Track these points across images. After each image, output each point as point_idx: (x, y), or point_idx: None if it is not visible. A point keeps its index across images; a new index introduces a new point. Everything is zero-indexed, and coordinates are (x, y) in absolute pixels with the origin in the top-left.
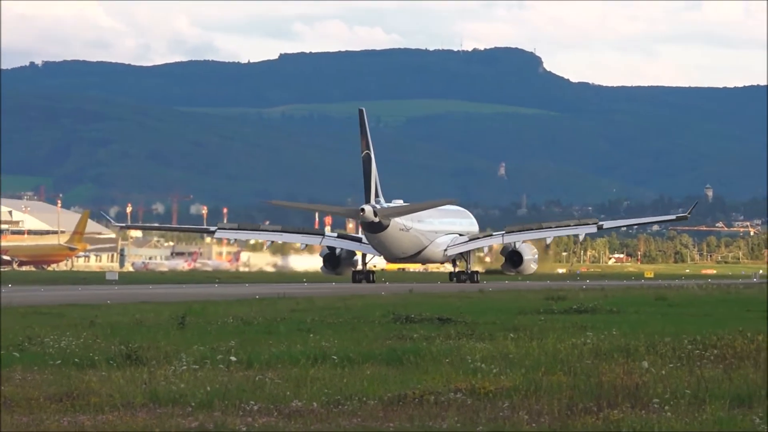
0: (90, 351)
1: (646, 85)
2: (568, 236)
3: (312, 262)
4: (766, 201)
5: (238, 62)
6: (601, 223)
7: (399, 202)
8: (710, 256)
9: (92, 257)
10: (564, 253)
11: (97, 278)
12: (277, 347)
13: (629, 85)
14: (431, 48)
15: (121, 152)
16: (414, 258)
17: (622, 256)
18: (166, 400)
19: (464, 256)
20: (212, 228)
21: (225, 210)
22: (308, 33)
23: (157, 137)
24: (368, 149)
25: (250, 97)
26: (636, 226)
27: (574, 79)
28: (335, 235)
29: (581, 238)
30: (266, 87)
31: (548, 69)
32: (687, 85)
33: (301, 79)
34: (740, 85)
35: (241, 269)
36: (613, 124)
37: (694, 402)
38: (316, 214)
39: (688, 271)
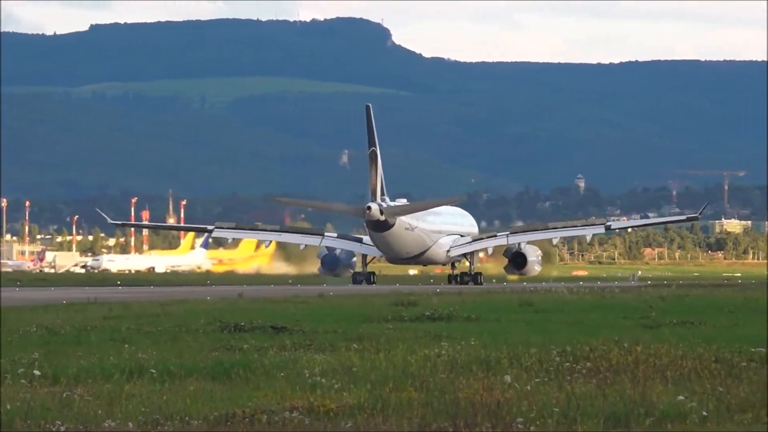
0: None
1: (508, 61)
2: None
3: (127, 263)
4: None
5: (43, 34)
6: (609, 223)
7: (403, 201)
8: (582, 255)
9: None
10: None
11: None
12: (87, 360)
13: (489, 60)
14: (263, 18)
15: None
16: (417, 258)
17: (481, 256)
18: None
19: (467, 257)
20: (210, 227)
21: (27, 203)
22: (123, 1)
23: None
24: (374, 146)
25: (57, 74)
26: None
27: (426, 54)
28: (335, 235)
29: (588, 239)
30: (75, 63)
31: (397, 42)
32: (555, 61)
33: (115, 54)
34: (616, 61)
35: (47, 270)
36: (471, 105)
37: (563, 421)
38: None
39: (555, 273)
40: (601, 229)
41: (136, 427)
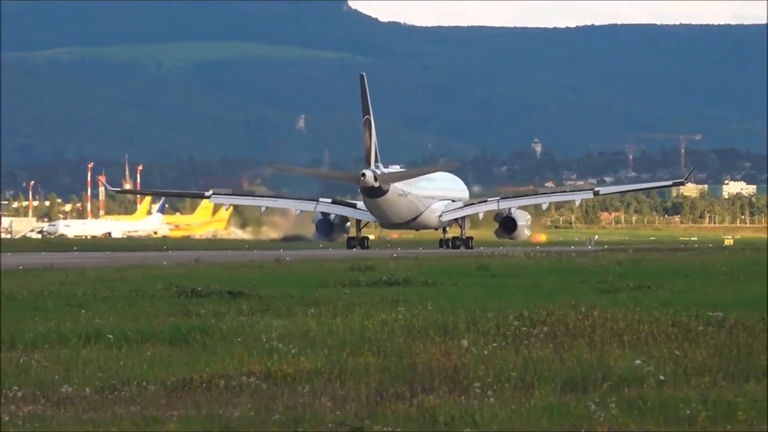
0: None
1: (464, 25)
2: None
3: (84, 229)
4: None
5: None
6: (597, 188)
7: (396, 168)
8: (539, 220)
9: None
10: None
11: None
12: (44, 325)
13: (446, 25)
14: None
15: None
16: (410, 224)
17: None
18: None
19: (458, 221)
20: (207, 193)
21: None
22: None
23: None
24: (368, 114)
25: (11, 39)
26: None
27: (383, 19)
28: (329, 201)
29: (577, 203)
30: (31, 28)
31: (354, 7)
32: (512, 26)
33: (71, 20)
34: (573, 25)
35: (3, 236)
36: (428, 70)
37: (520, 386)
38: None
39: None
40: (590, 195)
41: (93, 392)
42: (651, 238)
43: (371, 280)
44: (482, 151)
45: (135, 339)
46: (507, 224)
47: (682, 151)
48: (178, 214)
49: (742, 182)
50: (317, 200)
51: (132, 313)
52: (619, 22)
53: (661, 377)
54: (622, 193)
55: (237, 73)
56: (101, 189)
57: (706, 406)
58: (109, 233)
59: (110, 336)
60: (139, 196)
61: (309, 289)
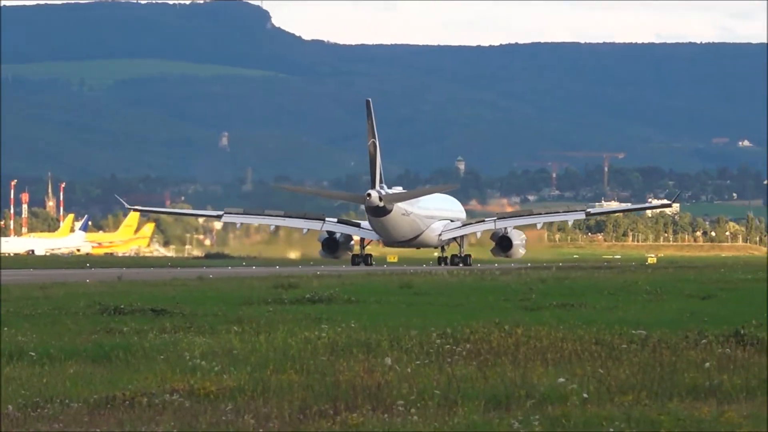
0: None
1: (387, 43)
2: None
3: (6, 246)
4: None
5: None
6: (589, 209)
7: (399, 189)
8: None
9: None
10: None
11: None
12: None
13: (369, 43)
14: (143, 1)
15: None
16: (411, 242)
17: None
18: None
19: (457, 240)
20: (219, 213)
21: None
22: None
23: None
24: (374, 137)
25: None
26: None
27: (306, 37)
28: (335, 220)
29: (570, 224)
30: None
31: (277, 25)
32: (435, 44)
33: None
34: (496, 43)
35: None
36: (351, 87)
37: (444, 404)
38: None
39: (436, 254)
40: (582, 215)
41: (16, 409)
42: (574, 256)
43: (295, 298)
44: (406, 169)
45: (58, 356)
46: (503, 243)
47: (606, 169)
48: (100, 232)
49: (665, 200)
50: (324, 219)
51: (55, 330)
52: (542, 41)
53: (585, 395)
54: (612, 212)
55: (160, 91)
56: (24, 206)
57: (630, 424)
58: (32, 251)
59: (33, 353)
60: (62, 213)
61: (232, 307)
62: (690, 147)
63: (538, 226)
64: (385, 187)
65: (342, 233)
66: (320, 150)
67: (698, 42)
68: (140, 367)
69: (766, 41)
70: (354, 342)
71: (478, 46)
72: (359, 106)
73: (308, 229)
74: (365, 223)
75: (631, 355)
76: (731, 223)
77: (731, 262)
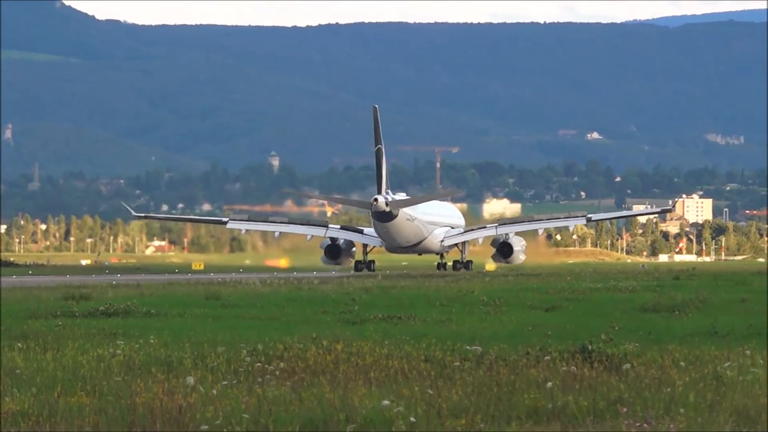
0: None
1: (191, 24)
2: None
3: None
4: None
5: None
6: (590, 215)
7: (402, 195)
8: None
9: None
10: (89, 240)
11: None
12: None
13: (171, 23)
14: None
15: None
16: (415, 247)
17: (163, 243)
18: None
19: (458, 246)
20: (225, 219)
21: None
22: None
23: None
24: (380, 144)
25: None
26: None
27: (100, 17)
28: (338, 226)
29: (571, 229)
30: None
31: (67, 4)
32: (245, 24)
33: None
34: (315, 24)
35: None
36: (150, 74)
37: (253, 429)
38: None
39: (248, 261)
40: (582, 221)
41: None
42: (403, 263)
43: (87, 311)
44: (212, 165)
45: None
46: (503, 249)
47: (438, 165)
48: None
49: (506, 200)
50: (327, 226)
51: None
52: (365, 21)
53: (412, 419)
54: (614, 218)
55: None
56: None
57: None
58: None
59: None
60: None
61: (16, 321)
62: (532, 140)
63: (540, 232)
64: (390, 192)
65: (344, 239)
66: (116, 144)
67: (541, 22)
68: None
69: (618, 20)
70: (153, 360)
71: (295, 27)
72: (160, 95)
73: (312, 236)
74: (368, 230)
75: (465, 374)
76: (578, 225)
77: (579, 269)
